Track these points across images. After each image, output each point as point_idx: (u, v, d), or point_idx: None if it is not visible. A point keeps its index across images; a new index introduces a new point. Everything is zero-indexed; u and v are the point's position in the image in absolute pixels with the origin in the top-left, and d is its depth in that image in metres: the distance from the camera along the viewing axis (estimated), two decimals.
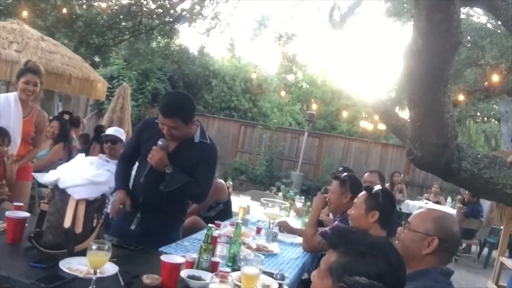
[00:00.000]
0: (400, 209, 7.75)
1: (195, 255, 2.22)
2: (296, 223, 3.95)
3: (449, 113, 2.58)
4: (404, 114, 9.59)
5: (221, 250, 2.46)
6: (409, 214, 7.12)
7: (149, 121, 2.71)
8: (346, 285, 1.15)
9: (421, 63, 2.36)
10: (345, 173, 3.33)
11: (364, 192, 2.65)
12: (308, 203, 4.34)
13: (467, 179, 2.70)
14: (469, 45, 9.15)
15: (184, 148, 2.55)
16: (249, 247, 2.77)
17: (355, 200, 2.67)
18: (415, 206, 7.88)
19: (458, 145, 2.69)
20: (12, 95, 3.55)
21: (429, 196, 9.40)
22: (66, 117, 6.31)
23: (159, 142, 2.48)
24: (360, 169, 9.36)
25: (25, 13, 7.13)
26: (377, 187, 2.68)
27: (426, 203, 8.15)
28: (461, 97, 8.77)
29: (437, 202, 8.90)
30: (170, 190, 2.46)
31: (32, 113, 3.65)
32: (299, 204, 4.54)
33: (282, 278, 2.24)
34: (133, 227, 2.55)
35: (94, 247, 1.71)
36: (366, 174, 4.35)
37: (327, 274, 1.20)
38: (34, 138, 3.68)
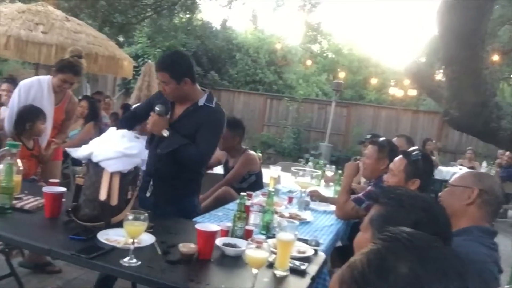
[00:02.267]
0: (434, 176, 7.59)
1: (229, 224, 2.23)
2: (326, 191, 3.92)
3: (487, 69, 2.47)
4: (435, 77, 9.28)
5: (254, 218, 2.46)
6: (442, 181, 6.97)
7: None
8: (385, 235, 1.13)
9: (458, 18, 2.25)
10: (383, 138, 3.24)
11: (402, 158, 2.46)
12: (340, 171, 4.29)
13: (507, 139, 2.60)
14: (503, 3, 8.70)
15: (189, 113, 2.59)
16: (281, 216, 2.76)
17: (391, 166, 2.52)
18: (449, 172, 7.71)
19: (497, 103, 2.58)
20: (46, 81, 3.54)
21: (463, 161, 9.17)
22: (100, 97, 6.41)
23: (156, 108, 2.53)
24: (390, 137, 9.16)
25: None
26: (415, 151, 2.48)
27: (460, 169, 7.95)
28: (495, 58, 8.41)
29: (472, 168, 8.67)
30: (179, 157, 2.49)
31: (64, 100, 3.68)
32: (329, 173, 4.50)
33: (317, 244, 2.22)
34: (148, 194, 2.60)
35: (130, 217, 1.73)
36: (394, 139, 4.24)
37: (369, 226, 1.22)
38: (62, 123, 3.72)
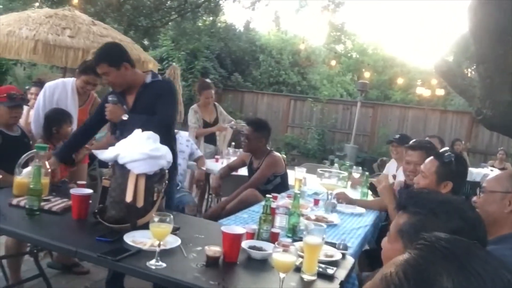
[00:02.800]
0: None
1: (255, 226, 2.20)
2: (353, 194, 3.84)
3: None
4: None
5: (280, 221, 2.43)
6: (473, 183, 6.79)
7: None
8: (421, 244, 1.08)
9: (490, 14, 2.18)
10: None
11: (433, 159, 2.31)
12: (367, 173, 4.20)
13: None
14: None
15: (140, 94, 2.73)
16: (308, 218, 2.71)
17: (422, 167, 2.36)
18: (480, 173, 7.48)
19: None
20: (70, 83, 3.58)
21: (494, 162, 8.89)
22: None
23: (109, 98, 2.74)
24: (418, 138, 8.99)
25: (75, 0, 7.33)
26: (448, 152, 2.33)
27: (492, 170, 7.71)
28: None
29: (503, 169, 8.41)
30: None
31: (88, 102, 3.72)
32: (356, 174, 4.41)
33: (345, 248, 2.17)
34: None
35: (156, 219, 1.72)
36: (426, 140, 4.12)
37: (398, 237, 1.14)
38: None
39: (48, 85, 3.62)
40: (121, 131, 2.69)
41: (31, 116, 3.70)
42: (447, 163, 2.25)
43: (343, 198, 3.36)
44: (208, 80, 5.45)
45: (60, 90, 3.56)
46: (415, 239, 1.06)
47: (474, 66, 2.53)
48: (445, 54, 11.80)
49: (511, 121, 2.44)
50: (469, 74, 9.05)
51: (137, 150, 2.04)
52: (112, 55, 2.69)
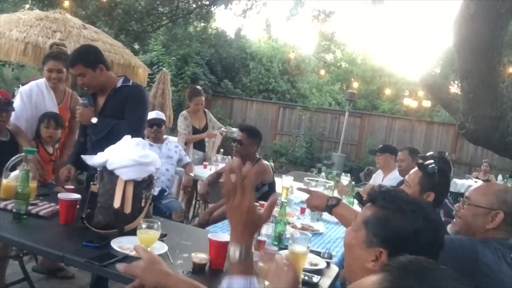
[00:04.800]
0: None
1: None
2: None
3: (504, 83, 2.44)
4: (451, 89, 9.19)
5: (266, 229, 2.45)
6: (457, 193, 6.86)
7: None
8: (381, 238, 1.15)
9: (474, 30, 2.24)
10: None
11: (417, 170, 2.38)
12: (353, 183, 4.26)
13: None
14: None
15: (111, 98, 2.79)
16: (294, 227, 2.74)
17: (407, 177, 2.43)
18: (464, 185, 7.60)
19: None
20: (43, 82, 3.52)
21: (478, 174, 9.04)
22: None
23: (80, 101, 2.84)
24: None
25: (66, 3, 7.32)
26: (432, 164, 2.37)
27: (476, 182, 7.84)
28: (511, 70, 8.30)
29: (487, 181, 8.55)
30: (113, 138, 2.45)
31: (66, 97, 3.65)
32: (345, 181, 4.45)
33: (330, 257, 2.20)
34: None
35: (144, 226, 1.74)
36: (399, 154, 4.18)
37: (362, 226, 1.20)
38: (69, 123, 3.63)
39: (22, 89, 3.53)
40: (90, 133, 2.81)
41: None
42: (430, 174, 2.30)
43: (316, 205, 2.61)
44: (198, 87, 5.48)
45: (36, 92, 3.47)
46: (378, 231, 1.13)
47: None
48: (432, 66, 12.02)
49: (493, 135, 2.51)
50: (455, 87, 9.21)
51: (126, 156, 2.06)
52: (89, 56, 2.74)
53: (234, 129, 5.06)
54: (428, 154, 3.98)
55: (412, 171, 2.42)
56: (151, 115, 4.26)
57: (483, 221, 1.62)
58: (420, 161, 2.58)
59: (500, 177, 8.78)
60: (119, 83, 2.81)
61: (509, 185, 7.40)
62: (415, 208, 1.16)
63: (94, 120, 2.73)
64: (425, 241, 1.13)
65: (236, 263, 1.13)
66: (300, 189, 2.59)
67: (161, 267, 1.27)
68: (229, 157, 5.18)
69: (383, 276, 0.78)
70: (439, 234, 1.17)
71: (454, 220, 1.71)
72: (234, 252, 1.13)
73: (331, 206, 2.04)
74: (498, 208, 1.60)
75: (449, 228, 1.71)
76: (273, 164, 4.55)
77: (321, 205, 2.11)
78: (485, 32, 2.11)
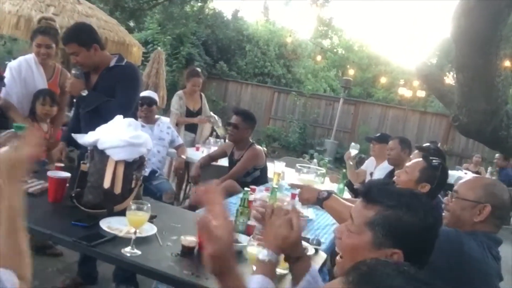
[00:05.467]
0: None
1: (232, 218, 2.23)
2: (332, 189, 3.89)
3: (500, 77, 2.43)
4: (446, 80, 9.21)
5: (255, 214, 2.45)
6: (449, 184, 6.94)
7: None
8: (394, 238, 1.12)
9: (473, 24, 2.22)
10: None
11: (422, 160, 2.37)
12: (344, 170, 4.27)
13: None
14: None
15: (103, 76, 2.78)
16: None
17: (408, 163, 2.43)
18: (454, 176, 7.65)
19: (508, 111, 2.55)
20: (31, 58, 3.46)
21: (469, 166, 9.13)
22: None
23: (72, 71, 2.81)
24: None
25: None
26: (437, 160, 2.39)
27: (466, 173, 7.92)
28: (507, 63, 8.33)
29: (477, 172, 8.64)
30: (103, 114, 2.55)
31: (56, 73, 3.60)
32: (353, 152, 4.52)
33: (318, 243, 2.22)
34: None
35: (133, 207, 1.73)
36: (390, 143, 4.19)
37: (366, 228, 1.15)
38: (59, 99, 3.56)
39: (11, 65, 3.47)
40: (78, 106, 2.85)
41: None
42: (433, 167, 2.31)
43: (307, 198, 2.38)
44: (198, 69, 5.42)
45: (25, 67, 3.42)
46: (390, 231, 1.10)
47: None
48: (428, 56, 12.00)
49: (486, 129, 2.51)
50: (451, 77, 9.21)
51: (118, 137, 2.04)
52: (83, 35, 2.71)
53: (219, 120, 5.07)
54: (425, 145, 4.00)
55: (415, 160, 2.43)
56: (144, 93, 4.22)
57: (471, 214, 1.64)
58: (424, 153, 2.59)
59: (490, 169, 8.86)
60: (113, 62, 2.79)
61: (495, 178, 7.48)
62: (422, 205, 1.15)
63: (84, 92, 2.73)
64: (433, 237, 1.13)
65: (261, 263, 1.28)
66: (291, 184, 2.61)
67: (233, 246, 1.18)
68: (222, 140, 5.16)
69: (340, 279, 0.79)
70: (437, 228, 1.17)
71: (444, 213, 1.72)
72: (262, 253, 1.29)
73: (322, 199, 2.04)
74: (485, 201, 1.62)
75: None
76: (265, 149, 4.55)
77: (312, 198, 2.11)
78: (483, 26, 2.10)
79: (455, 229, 1.62)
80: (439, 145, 9.02)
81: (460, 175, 7.69)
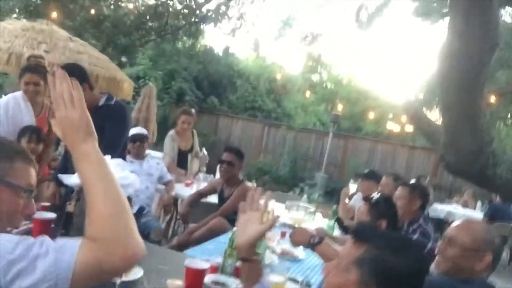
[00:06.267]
0: (428, 213, 7.54)
1: (220, 260, 2.19)
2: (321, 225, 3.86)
3: (484, 117, 2.47)
4: (432, 115, 9.36)
5: None
6: (438, 219, 6.90)
7: None
8: (378, 278, 1.12)
9: (457, 65, 2.28)
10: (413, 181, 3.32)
11: (364, 204, 2.59)
12: (334, 206, 4.26)
13: (503, 186, 2.59)
14: (501, 46, 8.84)
15: (91, 115, 2.71)
16: (273, 252, 2.72)
17: (357, 212, 2.64)
18: (444, 210, 7.68)
19: (493, 150, 2.58)
20: (20, 95, 3.48)
21: (459, 200, 9.14)
22: None
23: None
24: (386, 172, 9.16)
25: (54, 14, 7.27)
26: (374, 194, 2.63)
27: (455, 208, 7.95)
28: (492, 99, 8.50)
29: (466, 205, 8.66)
30: None
31: (44, 110, 3.60)
32: (353, 189, 4.52)
33: (308, 285, 2.19)
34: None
35: None
36: (383, 178, 4.23)
37: (354, 266, 1.14)
38: (46, 136, 3.55)
39: (1, 105, 3.45)
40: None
41: None
42: (375, 204, 2.50)
43: (298, 241, 2.34)
44: (188, 108, 5.51)
45: (13, 105, 3.42)
46: (376, 271, 1.10)
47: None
48: (416, 91, 12.21)
49: (473, 168, 2.53)
50: (438, 112, 9.35)
51: None
52: (75, 74, 2.70)
53: (206, 157, 5.11)
54: (411, 181, 4.12)
55: (359, 206, 2.62)
56: (134, 130, 4.22)
57: (470, 262, 1.61)
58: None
59: (479, 203, 8.88)
60: (102, 101, 2.82)
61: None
62: (411, 250, 1.16)
63: None
64: (418, 284, 1.13)
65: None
66: (283, 223, 2.76)
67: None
68: (212, 175, 5.15)
69: None
70: (424, 274, 1.17)
71: (437, 259, 1.69)
72: None
73: (313, 244, 2.06)
74: (485, 250, 1.60)
75: (433, 268, 1.70)
76: (255, 185, 4.53)
77: (303, 242, 2.14)
78: (468, 68, 2.15)
79: (450, 280, 1.60)
80: (427, 179, 9.08)
81: (449, 210, 7.72)
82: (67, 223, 2.12)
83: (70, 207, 2.15)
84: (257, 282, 1.37)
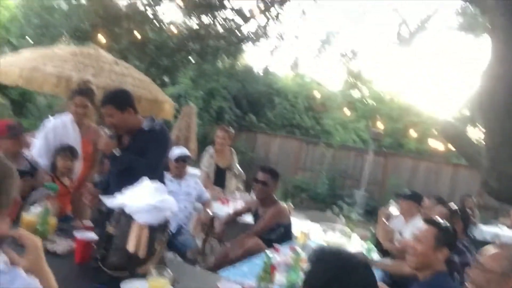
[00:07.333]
0: (474, 236, 7.20)
1: (253, 283, 2.20)
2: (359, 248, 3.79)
3: None
4: (477, 132, 9.03)
5: (279, 278, 2.42)
6: (484, 243, 6.59)
7: None
8: None
9: (501, 89, 2.22)
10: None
11: (431, 226, 2.26)
12: (371, 228, 4.16)
13: None
14: None
15: (135, 138, 2.92)
16: None
17: (417, 232, 2.32)
18: (490, 232, 7.34)
19: None
20: (67, 117, 3.65)
21: (505, 220, 8.70)
22: None
23: (106, 131, 3.04)
24: (429, 191, 8.86)
25: (101, 38, 7.63)
26: (444, 222, 2.29)
27: (501, 229, 7.57)
28: None
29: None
30: (133, 172, 2.64)
31: (90, 132, 3.76)
32: (393, 211, 4.20)
33: None
34: None
35: (154, 273, 1.74)
36: (425, 199, 4.07)
37: None
38: (91, 156, 3.72)
39: (47, 128, 3.62)
40: (110, 164, 3.05)
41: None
42: (445, 230, 2.22)
43: None
44: (225, 126, 5.59)
45: (60, 126, 3.59)
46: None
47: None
48: (460, 107, 11.82)
49: None
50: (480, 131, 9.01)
51: (144, 201, 2.09)
52: (120, 99, 2.91)
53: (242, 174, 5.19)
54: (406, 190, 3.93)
55: (423, 228, 2.31)
56: (177, 150, 4.31)
57: (498, 286, 1.59)
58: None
59: None
60: (146, 126, 2.94)
61: None
62: (332, 258, 1.26)
63: (117, 152, 2.87)
64: None
65: None
66: None
67: None
68: (248, 194, 5.18)
69: None
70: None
71: (466, 284, 1.66)
72: None
73: None
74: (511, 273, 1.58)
75: None
76: (291, 205, 4.51)
77: None
78: (508, 92, 2.10)
79: None
80: (473, 198, 8.68)
81: (496, 232, 7.36)
82: (107, 243, 2.20)
83: (110, 228, 2.22)
84: None
